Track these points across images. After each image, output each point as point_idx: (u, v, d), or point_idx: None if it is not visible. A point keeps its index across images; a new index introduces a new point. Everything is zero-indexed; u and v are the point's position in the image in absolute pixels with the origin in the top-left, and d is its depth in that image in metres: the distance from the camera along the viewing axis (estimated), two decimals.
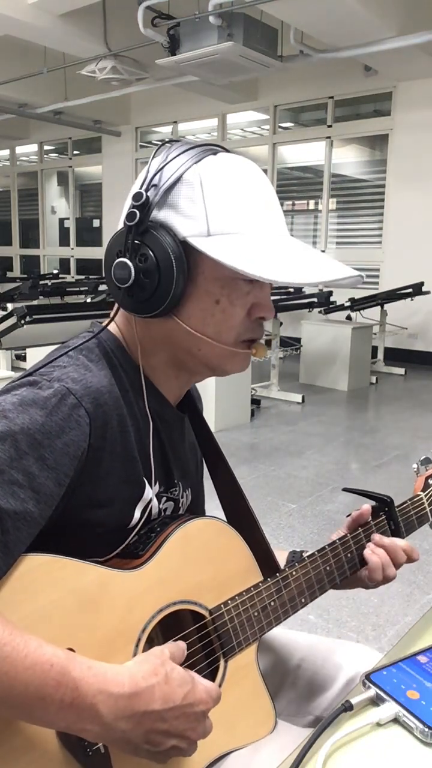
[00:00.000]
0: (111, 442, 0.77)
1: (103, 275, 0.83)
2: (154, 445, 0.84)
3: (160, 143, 0.82)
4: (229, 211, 0.77)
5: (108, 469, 0.77)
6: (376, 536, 0.94)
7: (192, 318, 0.79)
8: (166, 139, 0.83)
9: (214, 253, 0.74)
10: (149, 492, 0.83)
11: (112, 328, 0.85)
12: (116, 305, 0.82)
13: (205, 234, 0.76)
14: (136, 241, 0.76)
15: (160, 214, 0.77)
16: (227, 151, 0.83)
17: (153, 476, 0.84)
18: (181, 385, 0.89)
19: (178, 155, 0.78)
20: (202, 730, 0.69)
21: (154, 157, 0.79)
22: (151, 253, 0.75)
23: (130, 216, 0.76)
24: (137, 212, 0.76)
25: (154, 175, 0.77)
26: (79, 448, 0.72)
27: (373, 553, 0.92)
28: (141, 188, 0.76)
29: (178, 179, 0.77)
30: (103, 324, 0.83)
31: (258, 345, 0.84)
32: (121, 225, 0.79)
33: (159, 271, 0.75)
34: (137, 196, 0.76)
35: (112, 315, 0.84)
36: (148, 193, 0.76)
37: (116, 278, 0.77)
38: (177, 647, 0.70)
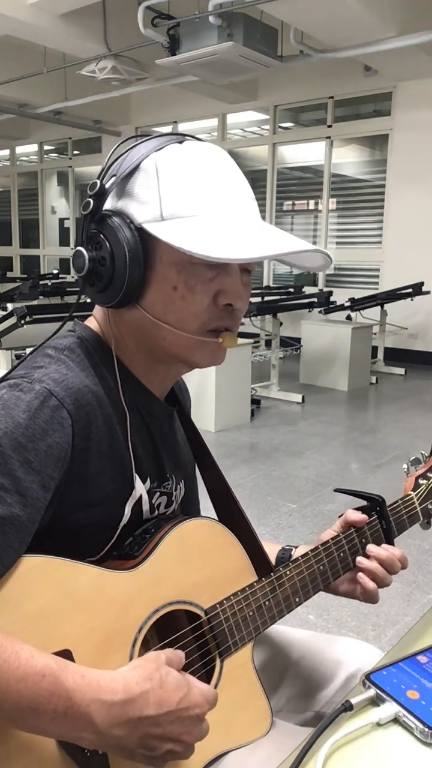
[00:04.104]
0: (97, 441, 0.76)
1: None
2: (145, 440, 0.84)
3: (126, 138, 0.83)
4: (185, 194, 0.75)
5: (96, 469, 0.76)
6: (373, 548, 0.93)
7: (154, 306, 0.78)
8: (133, 135, 0.83)
9: (164, 236, 0.73)
10: (139, 489, 0.82)
11: (93, 326, 0.84)
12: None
13: (158, 219, 0.75)
14: (92, 230, 0.77)
15: (119, 203, 0.77)
16: (199, 140, 0.81)
17: (134, 472, 0.82)
18: (163, 378, 0.88)
19: (139, 145, 0.78)
20: (198, 733, 0.68)
21: (116, 148, 0.79)
22: (105, 241, 0.76)
23: (85, 205, 0.77)
24: (91, 201, 0.76)
25: (112, 164, 0.78)
26: (63, 450, 0.71)
27: (371, 567, 0.92)
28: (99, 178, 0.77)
29: (136, 168, 0.77)
30: (84, 322, 0.83)
31: (225, 334, 0.80)
32: None
33: (113, 258, 0.75)
34: (92, 186, 0.77)
35: (93, 313, 0.84)
36: (106, 183, 0.77)
37: (75, 267, 0.78)
38: (174, 653, 0.69)
